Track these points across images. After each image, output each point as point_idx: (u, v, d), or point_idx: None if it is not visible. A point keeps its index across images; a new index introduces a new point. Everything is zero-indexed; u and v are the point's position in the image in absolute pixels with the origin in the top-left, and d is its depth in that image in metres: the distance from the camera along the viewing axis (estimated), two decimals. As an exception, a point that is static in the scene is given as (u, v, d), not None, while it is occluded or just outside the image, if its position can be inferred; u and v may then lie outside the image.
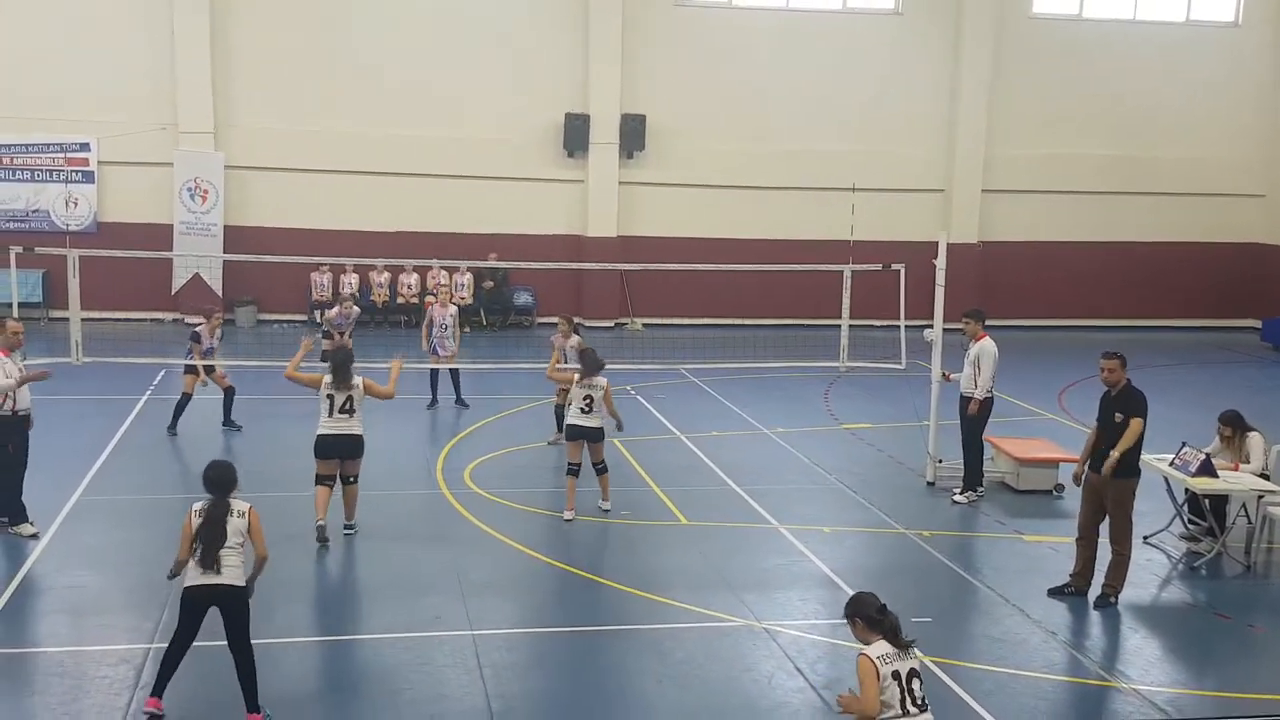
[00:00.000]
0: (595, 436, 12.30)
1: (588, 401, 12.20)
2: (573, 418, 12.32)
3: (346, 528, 11.55)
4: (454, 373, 16.83)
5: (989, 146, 26.62)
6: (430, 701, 8.21)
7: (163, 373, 17.63)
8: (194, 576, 7.65)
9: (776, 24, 25.71)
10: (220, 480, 7.84)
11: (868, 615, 6.51)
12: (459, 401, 16.86)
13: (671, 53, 25.42)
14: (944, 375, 13.66)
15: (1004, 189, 26.80)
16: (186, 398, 15.07)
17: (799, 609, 10.17)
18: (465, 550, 11.37)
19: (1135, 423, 10.17)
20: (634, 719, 8.19)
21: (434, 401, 16.86)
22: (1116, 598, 10.34)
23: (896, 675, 6.26)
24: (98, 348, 15.60)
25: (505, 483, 13.42)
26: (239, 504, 7.83)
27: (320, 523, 11.26)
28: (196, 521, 7.70)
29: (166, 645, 7.83)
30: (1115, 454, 10.15)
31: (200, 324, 15.32)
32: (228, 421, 15.43)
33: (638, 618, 9.89)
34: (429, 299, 20.50)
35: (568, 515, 12.17)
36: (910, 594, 10.56)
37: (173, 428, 15.10)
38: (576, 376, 12.34)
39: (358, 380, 11.32)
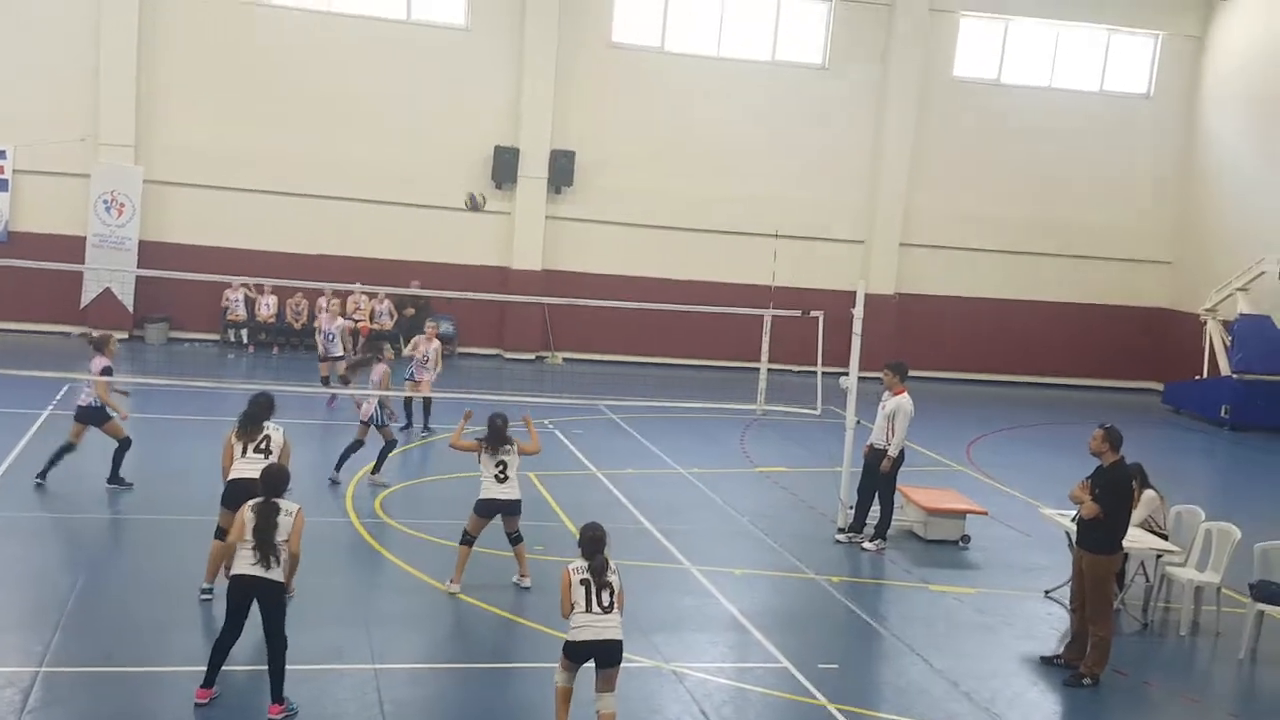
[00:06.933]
0: (513, 510, 10.95)
1: (501, 468, 10.76)
2: (487, 491, 10.77)
3: None
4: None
5: (909, 201, 27.19)
6: (328, 735, 8.04)
7: (66, 388, 17.10)
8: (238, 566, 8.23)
9: (707, 70, 26.05)
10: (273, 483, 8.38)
11: (582, 546, 8.09)
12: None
13: (603, 92, 25.61)
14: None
15: (922, 243, 27.40)
16: (71, 446, 12.96)
17: (707, 651, 10.18)
18: (371, 581, 11.19)
19: (1088, 507, 10.02)
20: (537, 758, 8.10)
21: (408, 425, 17.09)
22: (1093, 680, 10.00)
23: (585, 583, 7.96)
24: (0, 359, 15.12)
25: (416, 513, 13.27)
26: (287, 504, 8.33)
27: None
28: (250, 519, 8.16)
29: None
30: (1082, 512, 10.10)
31: (102, 362, 12.86)
32: (115, 478, 13.13)
33: (546, 655, 9.77)
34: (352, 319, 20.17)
35: (453, 587, 10.81)
36: (818, 640, 10.66)
37: (43, 475, 12.97)
38: (483, 446, 10.83)
39: (270, 429, 10.17)
